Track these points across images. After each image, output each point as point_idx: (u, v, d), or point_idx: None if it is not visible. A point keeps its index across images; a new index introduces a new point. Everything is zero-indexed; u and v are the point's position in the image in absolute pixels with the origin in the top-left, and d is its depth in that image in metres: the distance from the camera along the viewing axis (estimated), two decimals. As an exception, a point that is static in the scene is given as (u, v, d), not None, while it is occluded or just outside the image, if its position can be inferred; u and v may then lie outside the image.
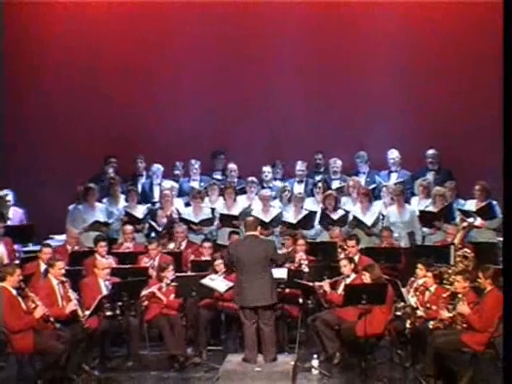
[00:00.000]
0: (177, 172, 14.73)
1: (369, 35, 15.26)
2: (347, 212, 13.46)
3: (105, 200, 14.03)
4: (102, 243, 12.20)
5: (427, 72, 15.14)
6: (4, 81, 15.25)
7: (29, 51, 15.58)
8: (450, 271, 11.02)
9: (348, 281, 11.09)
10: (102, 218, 13.66)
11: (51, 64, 15.57)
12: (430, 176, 14.10)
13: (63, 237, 13.21)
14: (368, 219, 13.25)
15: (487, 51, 14.83)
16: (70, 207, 13.80)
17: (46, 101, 15.56)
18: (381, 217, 13.41)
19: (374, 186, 14.17)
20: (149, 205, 14.05)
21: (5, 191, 13.94)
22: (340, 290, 11.02)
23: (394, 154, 14.43)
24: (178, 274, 11.59)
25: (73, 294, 10.84)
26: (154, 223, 13.55)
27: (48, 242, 12.91)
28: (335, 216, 13.28)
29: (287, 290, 11.30)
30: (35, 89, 15.57)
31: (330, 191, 13.65)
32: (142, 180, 14.71)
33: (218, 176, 14.71)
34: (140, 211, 13.73)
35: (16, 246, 13.02)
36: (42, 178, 14.88)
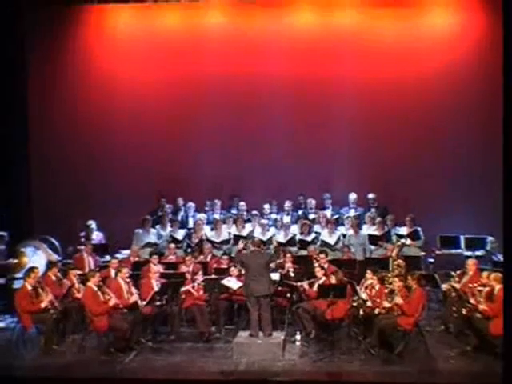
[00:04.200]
0: (206, 208, 14.67)
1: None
2: (318, 234, 13.46)
3: (157, 227, 14.00)
4: (155, 256, 12.21)
5: (372, 141, 14.99)
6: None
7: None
8: (389, 275, 10.99)
9: (320, 282, 11.06)
10: (153, 239, 13.66)
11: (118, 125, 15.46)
12: (373, 211, 14.02)
13: (128, 251, 13.22)
14: (331, 240, 13.22)
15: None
16: (135, 231, 13.74)
17: (114, 148, 15.42)
18: (341, 238, 13.36)
19: (337, 216, 14.08)
20: (186, 230, 13.98)
21: (90, 221, 14.05)
22: (315, 287, 10.99)
23: (353, 196, 14.35)
24: (205, 277, 11.65)
25: (134, 290, 10.97)
26: (189, 242, 13.60)
27: (116, 255, 12.98)
28: (309, 238, 13.25)
29: (279, 288, 11.32)
30: (102, 141, 15.47)
31: (305, 221, 13.61)
32: (181, 213, 14.64)
33: (234, 211, 14.59)
34: (180, 234, 13.71)
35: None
36: (114, 211, 14.68)
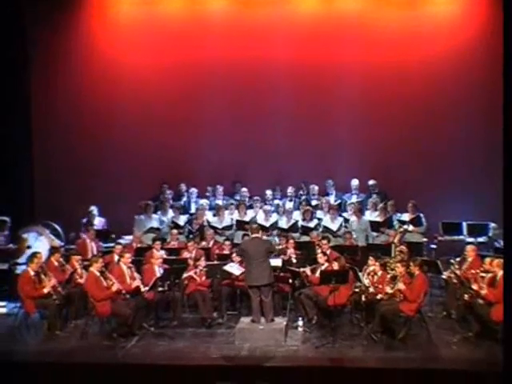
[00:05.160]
0: (208, 193, 14.61)
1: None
2: (320, 220, 13.42)
3: (159, 212, 13.96)
4: (157, 242, 12.22)
5: (374, 126, 14.99)
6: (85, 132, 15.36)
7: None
8: (391, 261, 10.98)
9: (323, 268, 11.05)
10: (155, 224, 13.62)
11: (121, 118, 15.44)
12: (375, 197, 13.95)
13: (130, 237, 13.20)
14: (334, 226, 13.17)
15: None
16: (136, 217, 13.68)
17: (117, 134, 15.38)
18: (343, 223, 13.32)
19: (339, 201, 14.07)
20: (188, 215, 13.94)
21: (92, 207, 14.01)
22: (317, 273, 10.95)
23: (355, 182, 14.32)
24: (207, 263, 11.63)
25: (137, 276, 10.95)
26: (191, 228, 13.57)
27: (119, 241, 12.97)
28: (311, 224, 13.23)
29: (281, 274, 11.28)
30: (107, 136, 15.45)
31: (308, 207, 13.57)
32: (184, 198, 14.58)
33: (237, 197, 14.56)
34: (182, 220, 13.66)
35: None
36: (116, 197, 14.67)
